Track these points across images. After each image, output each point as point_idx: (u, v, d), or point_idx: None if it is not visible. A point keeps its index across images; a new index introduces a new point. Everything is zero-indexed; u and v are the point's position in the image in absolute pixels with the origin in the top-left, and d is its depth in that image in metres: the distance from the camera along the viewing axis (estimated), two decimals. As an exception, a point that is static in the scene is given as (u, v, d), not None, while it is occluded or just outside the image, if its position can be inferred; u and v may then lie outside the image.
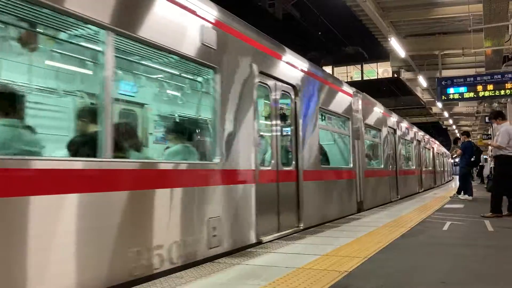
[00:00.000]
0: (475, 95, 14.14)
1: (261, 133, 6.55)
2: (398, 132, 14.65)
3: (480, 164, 21.45)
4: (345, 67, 36.58)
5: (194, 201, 4.46)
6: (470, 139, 13.52)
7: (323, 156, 8.46)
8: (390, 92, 31.49)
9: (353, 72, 36.88)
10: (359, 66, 35.65)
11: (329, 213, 7.91)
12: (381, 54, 24.41)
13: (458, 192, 13.46)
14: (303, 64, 7.33)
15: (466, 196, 12.77)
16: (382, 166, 12.24)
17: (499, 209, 8.13)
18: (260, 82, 5.88)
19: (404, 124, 16.38)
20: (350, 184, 9.28)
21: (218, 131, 4.89)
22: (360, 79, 35.18)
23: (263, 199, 5.63)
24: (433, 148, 24.79)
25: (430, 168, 23.08)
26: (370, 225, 7.24)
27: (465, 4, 12.82)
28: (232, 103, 5.17)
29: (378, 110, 12.28)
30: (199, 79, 5.39)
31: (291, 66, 6.85)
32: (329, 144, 9.57)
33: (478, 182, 26.92)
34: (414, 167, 17.59)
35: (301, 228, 6.61)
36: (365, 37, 19.06)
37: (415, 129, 18.94)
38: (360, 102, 10.16)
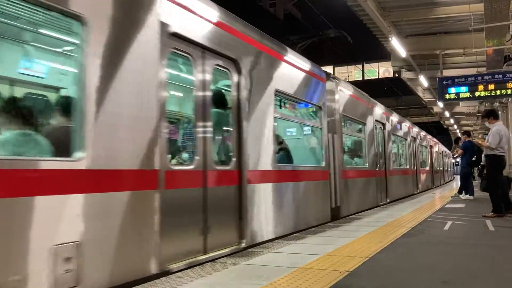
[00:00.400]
0: (476, 95, 14.13)
1: (177, 120, 5.39)
2: (388, 127, 13.13)
3: (481, 163, 21.41)
4: (346, 67, 36.58)
5: (22, 220, 2.87)
6: (471, 139, 13.51)
7: (284, 152, 7.15)
8: (391, 92, 31.54)
9: (354, 72, 36.88)
10: (360, 66, 35.66)
11: (288, 223, 6.39)
12: (382, 53, 24.43)
13: (459, 192, 13.45)
14: (252, 34, 5.73)
15: (467, 196, 12.76)
16: (367, 165, 10.69)
17: (499, 209, 8.12)
18: (174, 49, 4.35)
19: (396, 119, 14.75)
20: (321, 187, 7.69)
21: (85, 112, 3.32)
22: (361, 78, 35.19)
23: (176, 210, 4.17)
24: (431, 146, 23.31)
25: (428, 168, 21.56)
26: (371, 224, 7.24)
27: (466, 4, 12.85)
28: (115, 73, 3.58)
29: (363, 101, 10.82)
30: (53, 33, 3.92)
31: (232, 35, 5.25)
32: (294, 139, 8.23)
33: (479, 181, 26.88)
34: (408, 167, 16.08)
35: (243, 246, 5.10)
36: (366, 37, 19.05)
37: (409, 124, 17.31)
38: (337, 89, 8.74)
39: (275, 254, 4.83)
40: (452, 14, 14.19)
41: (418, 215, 8.65)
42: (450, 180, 34.76)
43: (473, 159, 12.97)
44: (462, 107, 27.82)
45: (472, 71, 18.29)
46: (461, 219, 7.91)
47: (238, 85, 5.34)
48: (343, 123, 9.21)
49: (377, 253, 4.79)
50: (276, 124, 6.41)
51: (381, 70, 35.95)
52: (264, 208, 5.76)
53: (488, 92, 13.85)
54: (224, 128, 5.36)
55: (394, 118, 14.40)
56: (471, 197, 12.66)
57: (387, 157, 12.60)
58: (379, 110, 12.32)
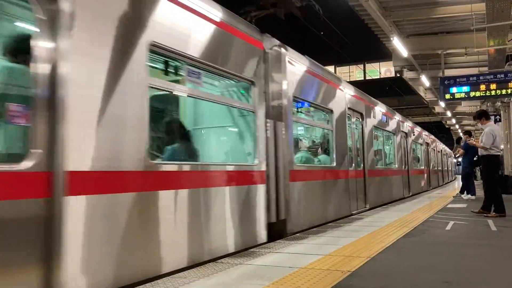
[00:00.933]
0: (478, 95, 14.12)
1: None
2: (369, 118, 10.93)
3: (483, 163, 21.32)
4: (348, 66, 36.59)
5: None
6: (472, 139, 13.51)
7: (184, 145, 5.21)
8: (392, 92, 31.56)
9: (356, 72, 36.88)
10: (361, 66, 35.66)
11: (172, 257, 4.07)
12: (383, 53, 24.43)
13: (461, 192, 13.46)
14: None
15: (469, 196, 12.77)
16: (335, 164, 8.33)
17: (502, 208, 8.13)
18: None
19: (380, 109, 12.38)
20: (249, 194, 5.45)
21: None
22: (362, 78, 35.20)
23: None
24: (427, 143, 21.08)
25: (423, 168, 19.34)
26: (372, 224, 7.24)
27: (467, 3, 12.82)
28: None
29: (329, 82, 8.47)
30: None
31: None
32: (206, 127, 6.23)
33: (481, 182, 26.77)
34: (397, 166, 13.82)
35: None
36: (368, 37, 19.05)
37: (400, 118, 15.02)
38: (284, 61, 6.45)
39: (277, 254, 4.83)
40: (453, 13, 14.17)
41: (420, 215, 8.65)
42: (451, 181, 34.13)
43: (475, 158, 12.98)
44: (463, 107, 27.79)
45: (474, 70, 18.28)
46: (463, 219, 7.90)
47: (51, 21, 3.10)
48: (295, 108, 7.15)
49: (379, 253, 4.80)
50: (157, 99, 4.63)
51: (382, 70, 35.86)
52: (119, 236, 3.51)
53: (490, 91, 13.83)
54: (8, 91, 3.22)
55: (377, 108, 12.06)
56: (473, 197, 12.67)
57: (367, 154, 10.48)
58: (354, 96, 10.02)
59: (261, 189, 5.72)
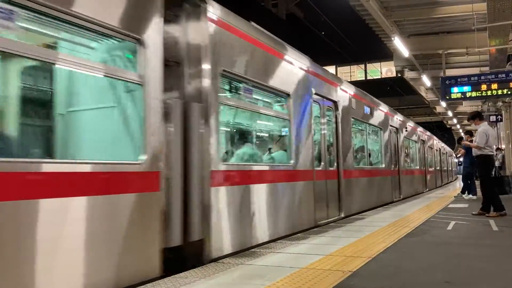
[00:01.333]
0: (479, 94, 14.10)
1: None
2: (344, 108, 8.98)
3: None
4: (349, 66, 36.61)
5: None
6: (473, 138, 13.49)
7: None
8: (394, 92, 31.57)
9: (357, 72, 36.90)
10: (362, 66, 35.67)
11: None
12: (384, 53, 24.42)
13: (463, 192, 13.45)
14: None
15: (470, 196, 12.77)
16: (293, 162, 6.59)
17: (501, 207, 8.13)
18: None
19: (362, 99, 10.49)
20: (113, 209, 3.56)
21: None
22: (363, 78, 35.22)
23: None
24: (423, 140, 19.44)
25: (418, 167, 17.88)
26: (374, 224, 7.23)
27: (469, 3, 12.82)
28: None
29: (286, 58, 6.69)
30: None
31: None
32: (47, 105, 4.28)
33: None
34: (384, 166, 12.09)
35: None
36: (369, 37, 19.05)
37: (387, 110, 13.12)
38: (206, 20, 4.76)
39: (278, 255, 4.83)
40: (454, 13, 14.17)
41: (421, 215, 8.64)
42: (451, 181, 33.33)
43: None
44: (465, 107, 27.76)
45: (475, 70, 18.24)
46: (464, 219, 7.90)
47: None
48: (225, 87, 5.46)
49: (380, 253, 4.79)
50: None
51: (383, 70, 35.87)
52: None
53: (492, 91, 13.82)
54: None
55: (358, 97, 10.16)
56: (474, 197, 12.65)
57: (342, 151, 8.67)
58: (324, 79, 8.22)
59: (149, 199, 3.92)
